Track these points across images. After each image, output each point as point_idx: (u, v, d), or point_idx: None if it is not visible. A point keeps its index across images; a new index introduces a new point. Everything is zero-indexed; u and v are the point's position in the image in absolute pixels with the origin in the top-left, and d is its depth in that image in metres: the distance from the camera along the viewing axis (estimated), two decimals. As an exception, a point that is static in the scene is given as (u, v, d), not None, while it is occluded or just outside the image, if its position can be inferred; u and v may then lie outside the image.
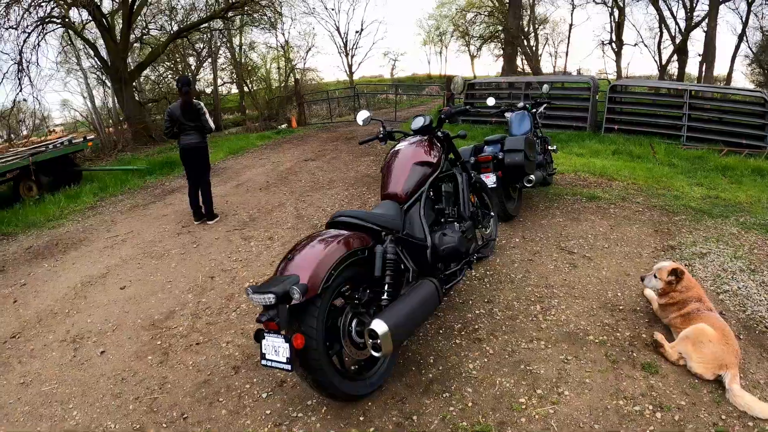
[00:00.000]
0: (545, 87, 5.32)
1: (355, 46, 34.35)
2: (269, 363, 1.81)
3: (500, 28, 20.77)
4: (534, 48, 26.43)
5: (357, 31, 39.61)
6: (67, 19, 11.78)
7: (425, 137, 2.86)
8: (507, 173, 4.07)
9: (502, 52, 20.76)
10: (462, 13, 26.43)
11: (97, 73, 15.32)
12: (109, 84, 15.42)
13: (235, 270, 3.87)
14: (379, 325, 1.85)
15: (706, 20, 15.53)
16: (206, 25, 15.18)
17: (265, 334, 1.82)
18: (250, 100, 20.66)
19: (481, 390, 2.22)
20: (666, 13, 19.70)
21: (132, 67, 14.43)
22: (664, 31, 20.60)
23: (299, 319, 1.86)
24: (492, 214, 3.68)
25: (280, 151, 10.27)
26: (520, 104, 4.98)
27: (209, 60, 19.82)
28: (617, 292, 3.08)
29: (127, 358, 2.75)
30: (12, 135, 13.30)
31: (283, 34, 27.40)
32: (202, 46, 18.69)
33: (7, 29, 10.47)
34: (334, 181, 6.69)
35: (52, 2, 11.14)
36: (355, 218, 2.17)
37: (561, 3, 34.88)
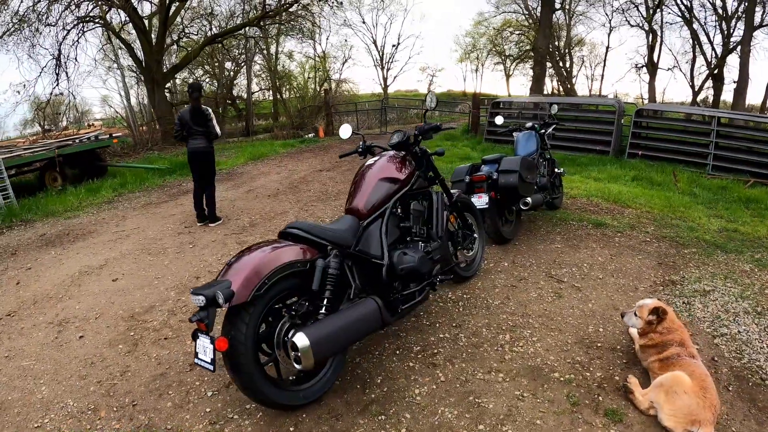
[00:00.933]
0: (554, 108, 5.39)
1: (390, 60, 35.24)
2: (198, 362, 1.99)
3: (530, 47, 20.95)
4: (569, 69, 26.31)
5: (393, 45, 40.48)
6: (105, 20, 12.80)
7: (400, 153, 2.99)
8: (501, 194, 4.12)
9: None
10: (499, 32, 26.75)
11: (134, 72, 16.42)
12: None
13: (221, 272, 4.11)
14: (300, 339, 1.96)
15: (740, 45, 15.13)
16: (241, 31, 16.04)
17: (198, 334, 1.99)
18: (282, 107, 21.48)
19: (420, 417, 2.23)
20: (703, 38, 19.40)
21: (167, 69, 15.39)
22: (699, 56, 20.23)
23: (231, 323, 2.02)
24: (475, 235, 3.76)
25: (300, 159, 10.65)
26: (529, 124, 5.06)
27: (245, 66, 20.81)
28: (599, 328, 3.03)
29: (100, 345, 3.01)
30: (51, 126, 14.43)
31: (320, 45, 28.49)
32: (239, 52, 19.68)
33: (46, 26, 11.51)
34: (342, 193, 6.92)
35: (91, 2, 12.17)
36: (303, 230, 2.30)
37: (596, 25, 34.52)
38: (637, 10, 20.74)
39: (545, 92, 20.36)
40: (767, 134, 8.35)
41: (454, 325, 3.10)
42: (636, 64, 23.88)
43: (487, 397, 2.37)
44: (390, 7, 55.86)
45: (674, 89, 78.01)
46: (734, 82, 16.02)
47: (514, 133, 5.10)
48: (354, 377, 2.56)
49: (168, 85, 15.45)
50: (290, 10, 14.97)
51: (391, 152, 3.01)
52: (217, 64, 19.67)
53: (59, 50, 12.22)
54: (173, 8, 14.27)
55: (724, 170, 7.87)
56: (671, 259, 4.12)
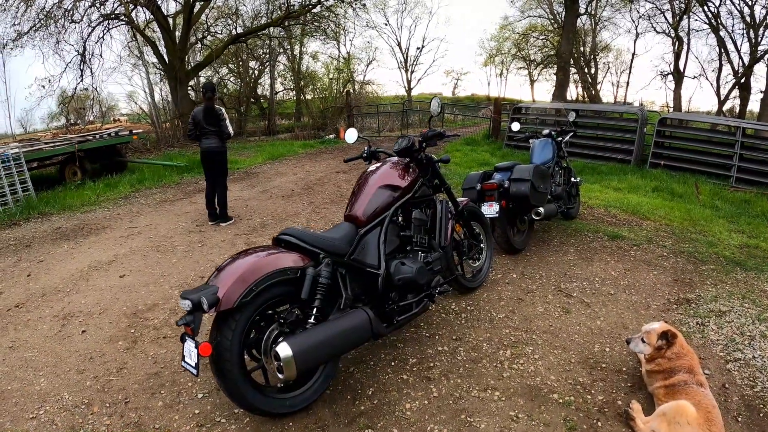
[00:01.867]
0: (571, 115, 5.31)
1: (415, 63, 35.36)
2: (184, 365, 2.03)
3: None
4: (594, 75, 25.95)
5: (418, 48, 40.61)
6: (129, 17, 13.27)
7: (404, 160, 2.99)
8: (512, 203, 4.09)
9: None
10: (524, 37, 26.62)
11: (159, 69, 16.95)
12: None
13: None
14: (283, 349, 1.97)
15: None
16: (265, 31, 16.36)
17: (186, 337, 2.04)
18: (305, 107, 21.78)
19: (406, 434, 2.24)
20: (730, 46, 18.93)
21: (190, 67, 15.81)
22: (726, 64, 19.76)
23: (218, 329, 2.05)
24: (483, 245, 3.73)
25: (317, 160, 10.77)
26: (545, 131, 5.01)
27: (269, 66, 21.19)
28: (606, 347, 2.96)
29: (101, 340, 3.11)
30: (78, 121, 15.02)
31: (345, 46, 28.88)
32: (263, 52, 20.06)
33: (71, 22, 12.00)
34: (355, 197, 6.96)
35: (116, 1, 12.64)
36: (295, 237, 2.32)
37: (622, 31, 34.15)
38: (664, 16, 20.63)
39: (569, 98, 20.13)
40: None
41: (454, 337, 3.08)
42: (661, 72, 23.59)
43: (479, 416, 2.33)
44: (415, 9, 56.19)
45: (700, 98, 76.09)
46: (761, 92, 15.71)
47: (531, 140, 5.05)
48: (345, 387, 2.56)
49: (191, 83, 15.85)
50: (313, 11, 15.19)
51: (395, 158, 3.02)
52: (241, 63, 20.09)
53: (84, 46, 12.76)
54: (197, 7, 14.67)
55: (748, 183, 7.73)
56: (688, 276, 4.01)
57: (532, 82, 37.70)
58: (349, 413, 2.36)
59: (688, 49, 20.87)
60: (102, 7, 12.67)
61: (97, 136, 8.82)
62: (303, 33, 18.55)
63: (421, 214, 2.92)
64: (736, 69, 18.89)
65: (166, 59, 14.74)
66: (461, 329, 3.18)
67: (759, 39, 17.37)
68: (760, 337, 3.04)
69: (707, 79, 24.25)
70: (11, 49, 12.43)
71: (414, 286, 2.63)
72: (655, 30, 22.06)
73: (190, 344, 2.00)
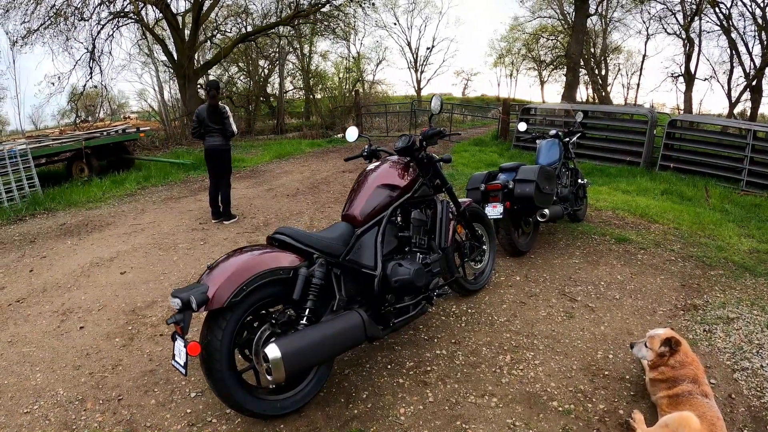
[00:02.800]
0: (579, 115, 5.26)
1: (424, 63, 35.36)
2: (174, 363, 2.03)
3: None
4: (604, 77, 25.76)
5: (428, 48, 40.53)
6: (139, 15, 13.41)
7: (404, 159, 2.95)
8: (516, 205, 4.04)
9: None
10: (534, 38, 26.52)
11: (168, 67, 17.12)
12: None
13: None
14: (272, 350, 1.94)
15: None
16: (274, 30, 16.43)
17: (176, 336, 2.03)
18: (314, 106, 21.88)
19: (400, 439, 2.20)
20: (741, 48, 18.70)
21: (199, 66, 15.93)
22: (737, 66, 19.55)
23: (208, 328, 2.04)
24: (485, 247, 3.69)
25: (324, 159, 10.79)
26: (552, 132, 4.95)
27: (278, 65, 21.30)
28: (609, 354, 2.90)
29: (98, 337, 3.13)
30: (88, 118, 15.22)
31: (354, 45, 29.01)
32: (272, 51, 20.17)
33: (81, 20, 12.16)
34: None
35: None
36: (289, 237, 2.30)
37: (632, 32, 33.85)
38: (675, 17, 20.45)
39: (579, 100, 20.02)
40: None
41: (453, 341, 3.04)
42: (672, 74, 23.46)
43: (475, 423, 2.29)
44: (425, 9, 56.16)
45: (711, 100, 74.64)
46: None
47: (537, 141, 5.00)
48: (339, 390, 2.54)
49: (200, 81, 15.96)
50: (323, 10, 15.24)
51: (395, 157, 2.99)
52: (250, 62, 20.21)
53: (93, 44, 12.94)
54: (207, 5, 14.78)
55: (758, 186, 7.63)
56: (696, 281, 3.93)
57: (542, 83, 37.60)
58: (342, 416, 2.34)
59: (699, 50, 20.69)
60: (111, 5, 12.85)
61: (105, 133, 8.92)
62: (312, 32, 18.61)
63: (420, 214, 2.88)
64: (748, 71, 18.70)
65: (175, 57, 14.88)
66: (461, 332, 3.15)
67: (772, 41, 17.15)
68: (769, 346, 2.95)
69: (718, 81, 24.00)
70: (21, 46, 12.64)
71: (411, 288, 2.58)
72: (666, 31, 22.00)
73: (179, 343, 1.99)
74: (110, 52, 14.04)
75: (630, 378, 2.66)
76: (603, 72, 26.10)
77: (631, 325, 3.22)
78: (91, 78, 13.37)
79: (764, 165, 7.93)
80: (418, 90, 35.45)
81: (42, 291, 3.87)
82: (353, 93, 18.42)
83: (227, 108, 5.58)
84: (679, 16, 20.12)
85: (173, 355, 2.05)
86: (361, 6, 15.62)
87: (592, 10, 18.71)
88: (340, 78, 23.95)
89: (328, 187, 7.65)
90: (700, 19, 19.17)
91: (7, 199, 6.59)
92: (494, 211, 3.93)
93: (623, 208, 6.03)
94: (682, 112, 21.74)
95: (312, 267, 2.26)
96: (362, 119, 16.47)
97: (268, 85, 22.44)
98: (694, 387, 2.21)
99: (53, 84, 13.64)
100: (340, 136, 15.57)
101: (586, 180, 5.32)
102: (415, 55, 35.55)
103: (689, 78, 20.93)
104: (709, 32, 20.32)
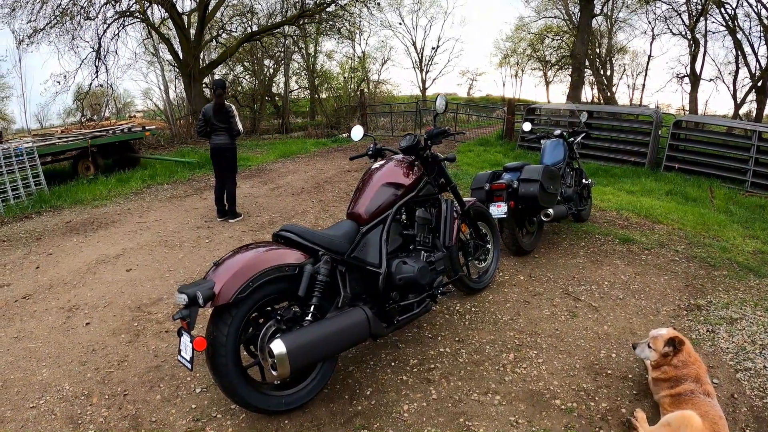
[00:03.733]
0: (583, 116, 5.26)
1: (429, 62, 35.37)
2: (180, 359, 2.05)
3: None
4: (609, 77, 25.72)
5: (433, 48, 40.51)
6: (144, 15, 13.49)
7: (409, 158, 2.97)
8: (521, 204, 4.05)
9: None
10: (539, 38, 26.48)
11: (174, 66, 17.22)
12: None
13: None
14: (277, 346, 1.96)
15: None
16: (280, 30, 16.48)
17: (182, 332, 2.05)
18: (319, 106, 21.95)
19: (403, 436, 2.21)
20: (747, 49, 18.66)
21: (204, 65, 16.01)
22: (743, 67, 19.56)
23: (214, 324, 2.07)
24: (489, 246, 3.70)
25: (329, 159, 10.82)
26: (557, 132, 4.96)
27: (284, 64, 21.38)
28: (612, 353, 2.90)
29: (104, 333, 3.16)
30: (94, 116, 15.31)
31: (360, 45, 29.06)
32: (278, 50, 20.25)
33: (87, 19, 12.25)
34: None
35: None
36: (295, 234, 2.32)
37: (638, 33, 33.88)
38: (680, 18, 20.42)
39: (584, 100, 19.99)
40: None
41: (456, 339, 3.05)
42: (677, 74, 23.43)
43: (478, 421, 2.30)
44: (430, 9, 56.20)
45: (717, 101, 74.24)
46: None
47: (542, 141, 5.00)
48: (344, 386, 2.56)
49: (205, 80, 16.04)
50: (328, 9, 15.27)
51: (399, 156, 3.01)
52: (256, 61, 20.29)
53: (99, 43, 13.04)
54: (212, 5, 14.85)
55: (763, 188, 7.63)
56: (699, 282, 3.92)
57: (547, 83, 37.63)
58: (345, 413, 2.36)
59: (705, 51, 20.93)
60: (117, 4, 12.95)
61: (110, 132, 8.99)
62: (318, 32, 18.66)
63: (425, 212, 2.90)
64: (753, 72, 18.69)
65: (181, 56, 14.95)
66: (464, 331, 3.16)
67: (777, 42, 17.12)
68: (774, 347, 2.94)
69: (724, 82, 23.81)
70: (27, 45, 12.73)
71: (415, 286, 2.60)
72: (671, 32, 21.98)
73: (185, 338, 2.01)
74: (116, 51, 14.18)
75: (633, 377, 2.66)
76: (608, 72, 26.06)
77: (635, 324, 3.22)
78: (96, 77, 13.51)
79: (769, 166, 7.91)
80: (423, 90, 35.45)
81: (48, 288, 3.91)
82: (358, 92, 18.43)
83: (233, 107, 5.62)
84: (685, 17, 20.16)
85: (179, 351, 2.07)
86: (366, 6, 15.66)
87: (597, 10, 18.70)
88: (345, 77, 24.01)
89: (333, 186, 7.68)
90: (706, 19, 19.17)
91: (13, 197, 6.66)
92: (499, 210, 3.94)
93: (627, 208, 6.03)
94: (687, 112, 21.68)
95: (317, 264, 2.29)
96: (367, 119, 16.47)
97: (274, 84, 22.56)
98: (696, 386, 2.22)
99: (59, 83, 13.78)
100: (344, 135, 15.59)
101: (590, 180, 5.32)
102: (420, 55, 35.60)
103: (694, 79, 20.88)
104: (714, 33, 20.41)
